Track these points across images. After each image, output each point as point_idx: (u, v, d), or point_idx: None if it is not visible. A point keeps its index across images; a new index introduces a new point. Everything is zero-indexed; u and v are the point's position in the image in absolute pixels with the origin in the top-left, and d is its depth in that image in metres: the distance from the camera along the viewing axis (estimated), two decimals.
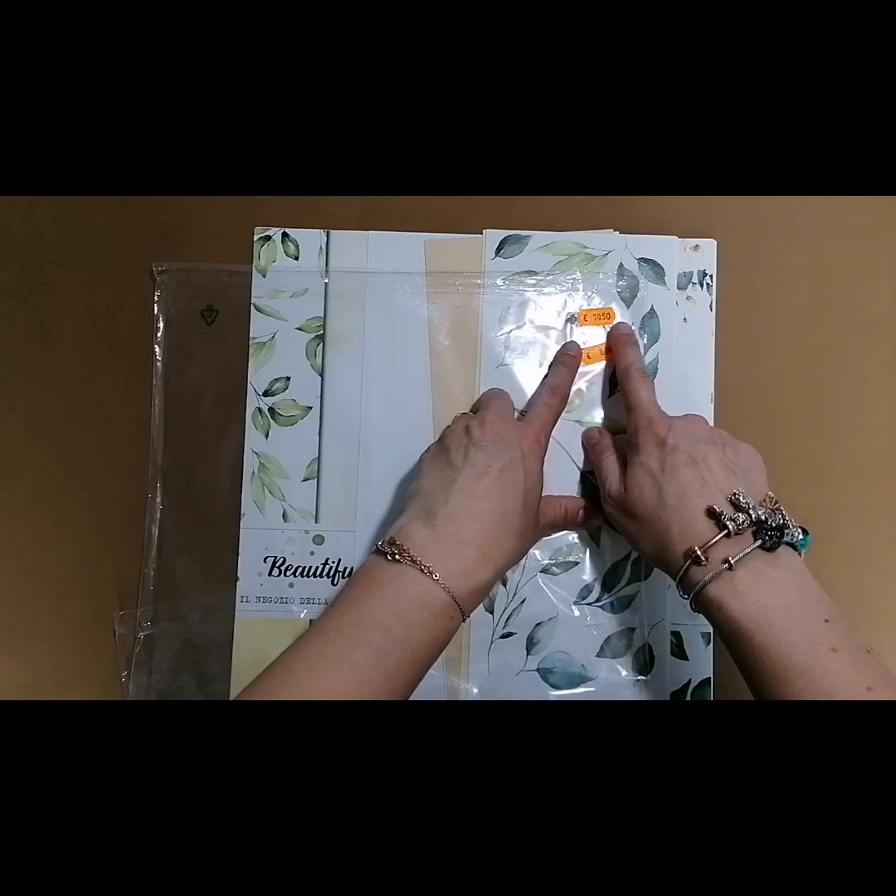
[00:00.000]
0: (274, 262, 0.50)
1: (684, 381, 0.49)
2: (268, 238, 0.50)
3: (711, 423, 0.48)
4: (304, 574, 0.49)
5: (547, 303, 0.50)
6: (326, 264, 0.50)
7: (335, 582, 0.49)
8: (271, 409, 0.49)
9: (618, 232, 0.50)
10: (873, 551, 0.49)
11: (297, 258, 0.50)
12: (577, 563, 0.48)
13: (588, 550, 0.49)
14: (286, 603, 0.49)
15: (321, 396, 0.49)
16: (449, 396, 0.49)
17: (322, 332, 0.50)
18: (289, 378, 0.49)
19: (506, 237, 0.50)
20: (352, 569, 0.49)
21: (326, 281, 0.50)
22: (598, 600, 0.48)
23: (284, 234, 0.50)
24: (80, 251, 0.50)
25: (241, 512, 0.49)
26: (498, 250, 0.50)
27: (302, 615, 0.49)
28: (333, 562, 0.49)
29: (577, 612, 0.48)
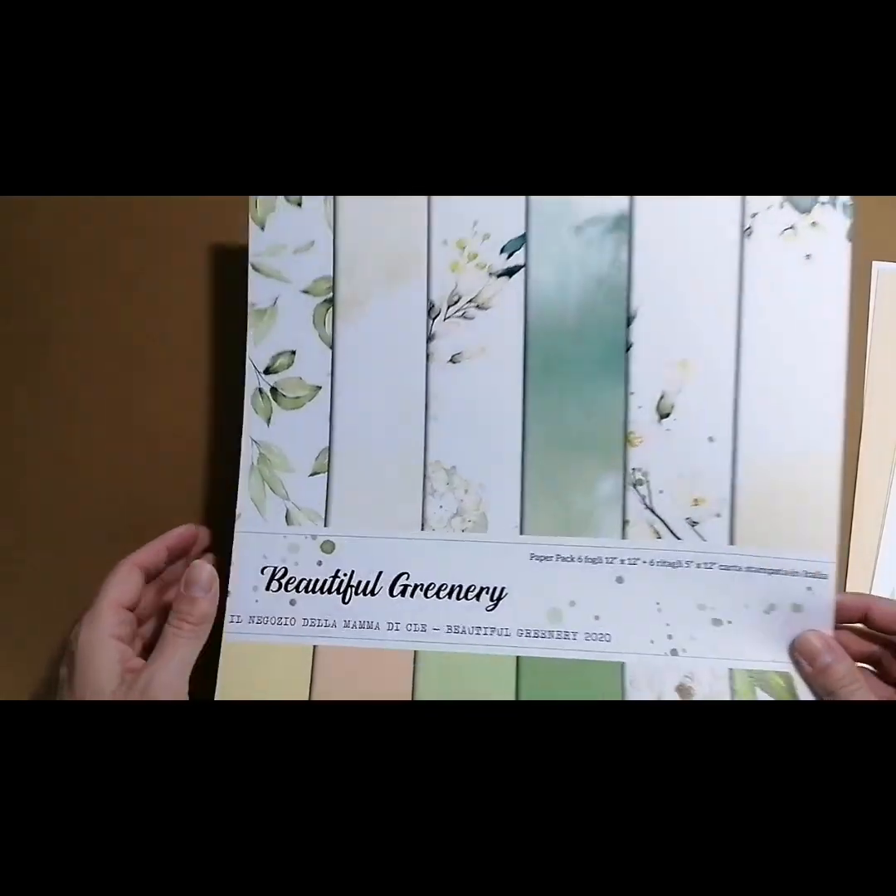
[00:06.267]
0: (272, 211, 0.41)
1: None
2: None
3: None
4: (310, 589, 0.40)
5: None
6: (334, 213, 0.41)
7: (347, 599, 0.40)
8: (274, 390, 0.41)
9: None
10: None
11: (300, 204, 0.41)
12: None
13: None
14: (286, 624, 0.40)
15: (332, 374, 0.41)
16: None
17: (332, 295, 0.41)
18: (294, 352, 0.41)
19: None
20: (367, 583, 0.40)
21: (335, 231, 0.41)
22: None
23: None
24: (81, 251, 0.48)
25: (237, 512, 0.41)
26: None
27: (306, 641, 0.40)
28: (345, 574, 0.40)
29: None
